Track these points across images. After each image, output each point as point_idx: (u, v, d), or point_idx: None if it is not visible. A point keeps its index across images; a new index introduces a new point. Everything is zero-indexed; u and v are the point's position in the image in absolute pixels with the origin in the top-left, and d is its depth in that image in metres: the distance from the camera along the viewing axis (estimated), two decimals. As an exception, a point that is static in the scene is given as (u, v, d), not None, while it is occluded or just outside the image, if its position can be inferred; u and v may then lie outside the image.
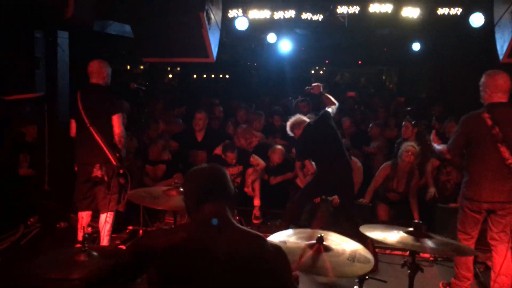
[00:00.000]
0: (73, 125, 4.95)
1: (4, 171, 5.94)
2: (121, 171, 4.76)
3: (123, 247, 5.04)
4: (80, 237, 4.83)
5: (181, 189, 3.24)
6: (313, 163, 5.59)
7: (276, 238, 2.71)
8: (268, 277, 1.85)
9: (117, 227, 5.29)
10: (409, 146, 5.75)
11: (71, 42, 5.96)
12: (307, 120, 5.35)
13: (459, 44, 9.22)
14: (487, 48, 6.48)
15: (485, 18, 6.19)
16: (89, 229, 5.05)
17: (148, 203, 3.12)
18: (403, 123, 6.56)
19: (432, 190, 5.99)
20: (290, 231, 2.87)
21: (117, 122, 4.79)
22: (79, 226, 4.98)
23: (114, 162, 4.72)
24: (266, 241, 1.93)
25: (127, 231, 5.81)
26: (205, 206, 1.95)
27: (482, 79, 4.06)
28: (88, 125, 4.71)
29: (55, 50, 5.70)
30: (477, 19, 6.33)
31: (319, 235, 2.63)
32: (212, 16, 5.99)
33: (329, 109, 5.25)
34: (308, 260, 2.47)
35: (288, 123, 5.44)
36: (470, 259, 4.24)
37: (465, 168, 4.22)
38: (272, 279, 1.86)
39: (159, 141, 6.53)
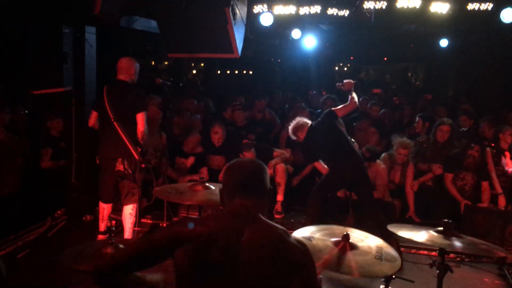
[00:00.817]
0: (93, 115, 5.01)
1: (32, 164, 6.07)
2: (143, 166, 4.86)
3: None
4: (101, 228, 5.01)
5: (207, 184, 3.26)
6: (323, 164, 5.60)
7: (300, 234, 2.69)
8: (293, 271, 1.86)
9: (139, 220, 5.34)
10: (402, 141, 6.14)
11: (98, 37, 6.03)
12: (309, 122, 5.34)
13: (489, 41, 9.02)
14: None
15: (517, 14, 6.03)
16: (113, 222, 5.09)
17: (174, 199, 3.15)
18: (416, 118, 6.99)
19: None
20: (313, 228, 2.84)
21: (141, 120, 4.85)
22: (100, 217, 5.08)
23: (136, 157, 4.80)
24: (291, 236, 1.95)
25: (149, 225, 5.86)
26: (236, 200, 1.98)
27: None
28: (113, 120, 4.77)
29: (82, 45, 5.78)
30: (508, 15, 6.18)
31: (345, 233, 2.60)
32: (237, 11, 5.98)
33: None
34: (333, 258, 2.44)
35: (290, 127, 5.42)
36: None
37: None
38: (296, 273, 1.86)
39: (196, 133, 6.54)
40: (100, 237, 4.94)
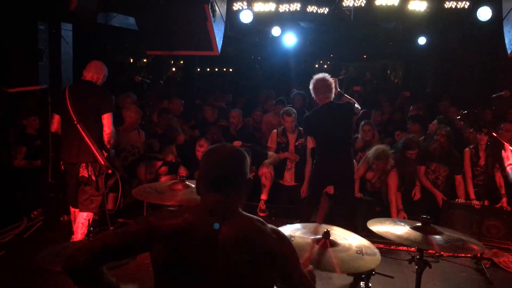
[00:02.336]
0: (56, 120, 4.78)
1: (6, 163, 5.94)
2: (109, 171, 4.60)
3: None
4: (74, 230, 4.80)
5: (187, 183, 3.21)
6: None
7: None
8: (269, 261, 1.85)
9: (116, 221, 5.24)
10: (377, 153, 5.77)
11: (74, 34, 5.93)
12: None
13: (466, 38, 9.14)
14: (495, 42, 6.41)
15: (493, 12, 6.11)
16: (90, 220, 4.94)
17: (153, 199, 3.07)
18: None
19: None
20: (295, 226, 2.84)
21: (108, 121, 4.62)
22: (72, 219, 4.93)
23: (102, 162, 4.56)
24: (267, 226, 1.91)
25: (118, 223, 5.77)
26: (211, 195, 1.92)
27: None
28: (76, 122, 4.54)
29: (58, 42, 5.69)
30: (484, 13, 6.25)
31: (325, 230, 2.60)
32: (216, 8, 5.95)
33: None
34: (314, 255, 2.44)
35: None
36: None
37: None
38: (273, 262, 1.85)
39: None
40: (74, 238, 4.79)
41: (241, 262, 1.81)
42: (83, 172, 4.63)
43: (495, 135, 5.06)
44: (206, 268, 1.80)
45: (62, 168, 4.84)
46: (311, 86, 5.00)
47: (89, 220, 4.66)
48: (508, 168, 4.57)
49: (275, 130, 6.44)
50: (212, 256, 1.80)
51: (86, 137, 4.52)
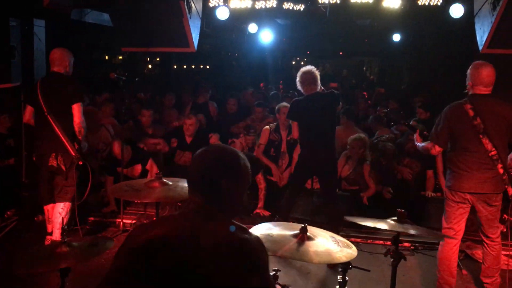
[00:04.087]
0: (28, 110, 4.74)
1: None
2: (80, 163, 4.59)
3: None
4: (49, 229, 4.79)
5: (164, 180, 3.19)
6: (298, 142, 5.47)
7: (259, 230, 2.69)
8: (250, 267, 1.81)
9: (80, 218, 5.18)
10: (357, 136, 6.07)
11: (48, 31, 5.83)
12: None
13: (439, 35, 9.30)
14: (467, 39, 6.53)
15: (465, 9, 6.22)
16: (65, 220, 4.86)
17: (130, 197, 3.05)
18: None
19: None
20: (272, 224, 2.85)
21: (77, 111, 4.60)
22: (46, 218, 4.86)
23: (72, 153, 4.54)
24: (249, 232, 1.87)
25: (89, 221, 5.79)
26: (191, 198, 1.88)
27: (468, 70, 4.03)
28: (46, 113, 4.52)
29: (31, 39, 5.58)
30: (457, 10, 6.35)
31: (302, 225, 2.63)
32: (192, 5, 5.91)
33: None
34: (293, 248, 2.47)
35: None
36: (454, 264, 4.15)
37: (448, 160, 4.15)
38: (252, 271, 1.82)
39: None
40: (49, 238, 4.73)
41: (219, 271, 1.76)
42: (52, 162, 4.59)
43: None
44: (187, 273, 1.75)
45: (34, 159, 4.81)
46: (297, 79, 5.03)
47: (66, 211, 4.67)
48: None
49: (268, 127, 6.46)
50: (194, 262, 1.76)
51: (56, 128, 4.50)
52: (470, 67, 4.01)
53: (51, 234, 4.75)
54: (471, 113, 3.86)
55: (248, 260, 1.80)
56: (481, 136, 3.83)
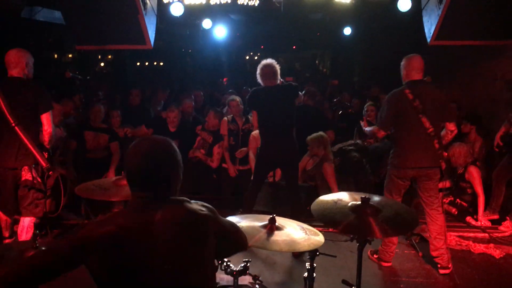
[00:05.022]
0: None
1: None
2: (51, 173, 4.41)
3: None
4: (6, 235, 4.56)
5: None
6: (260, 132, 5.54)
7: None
8: (207, 231, 1.95)
9: (55, 222, 5.06)
10: (315, 135, 6.24)
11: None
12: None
13: (389, 28, 9.60)
14: (415, 32, 6.79)
15: (412, 3, 6.46)
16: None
17: (98, 196, 3.01)
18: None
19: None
20: (239, 217, 2.92)
21: (47, 120, 4.34)
22: (3, 225, 4.58)
23: (44, 164, 4.31)
24: (194, 203, 1.99)
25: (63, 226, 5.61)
26: (138, 193, 1.93)
27: (401, 62, 4.57)
28: (14, 125, 4.18)
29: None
30: (404, 4, 6.56)
31: (271, 216, 2.72)
32: (147, 1, 5.87)
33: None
34: (262, 237, 2.56)
35: None
36: None
37: (392, 140, 4.68)
38: (211, 231, 1.96)
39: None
40: (7, 241, 4.50)
41: (181, 242, 1.87)
42: (26, 176, 4.34)
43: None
44: (149, 263, 1.82)
45: None
46: (258, 72, 5.07)
47: (34, 223, 4.40)
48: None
49: (225, 118, 6.59)
50: (153, 248, 1.82)
51: (26, 140, 4.22)
52: (402, 60, 4.56)
53: (9, 237, 4.57)
54: (411, 96, 4.35)
55: (203, 224, 1.94)
56: (420, 115, 4.32)
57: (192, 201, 1.99)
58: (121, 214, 1.94)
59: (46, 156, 4.36)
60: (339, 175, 6.25)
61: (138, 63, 16.96)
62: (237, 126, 6.55)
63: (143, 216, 1.86)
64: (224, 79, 13.33)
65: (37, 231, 2.50)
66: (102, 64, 16.93)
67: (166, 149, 1.96)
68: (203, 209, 1.98)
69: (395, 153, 4.53)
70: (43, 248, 1.92)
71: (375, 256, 4.85)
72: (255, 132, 6.29)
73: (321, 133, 6.29)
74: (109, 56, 15.99)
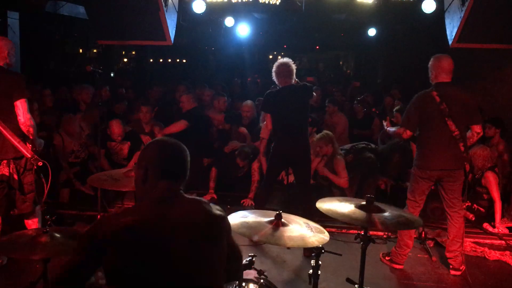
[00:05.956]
0: None
1: None
2: (40, 164, 4.06)
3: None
4: None
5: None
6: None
7: (234, 217, 2.76)
8: (221, 236, 2.02)
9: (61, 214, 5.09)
10: (320, 136, 6.25)
11: (21, 23, 5.75)
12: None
13: (412, 30, 9.49)
14: (438, 34, 6.70)
15: (436, 4, 6.38)
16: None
17: (109, 186, 3.08)
18: None
19: None
20: (247, 211, 2.93)
21: (21, 108, 4.02)
22: None
23: (28, 155, 4.06)
24: (210, 205, 2.06)
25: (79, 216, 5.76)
26: (162, 183, 1.99)
27: (430, 62, 4.51)
28: None
29: (5, 31, 5.49)
30: (428, 5, 6.49)
31: (277, 212, 2.73)
32: (169, -2, 5.93)
33: None
34: (267, 232, 2.57)
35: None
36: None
37: (418, 141, 4.64)
38: (224, 235, 2.04)
39: None
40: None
41: (194, 239, 1.91)
42: (3, 170, 4.10)
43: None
44: (164, 256, 1.84)
45: None
46: (273, 70, 5.08)
47: (37, 221, 4.36)
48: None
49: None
50: (167, 241, 1.85)
51: (4, 130, 3.97)
52: (430, 60, 4.49)
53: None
54: (438, 99, 4.33)
55: (214, 227, 2.00)
56: (446, 118, 4.31)
57: (210, 203, 2.07)
58: (138, 207, 2.00)
59: (29, 146, 4.10)
60: (350, 172, 6.24)
61: (161, 60, 17.16)
62: None
63: (160, 209, 1.92)
64: (248, 79, 13.33)
65: (47, 216, 2.55)
66: (125, 59, 17.19)
67: (185, 148, 2.10)
68: (219, 210, 2.06)
69: (420, 154, 4.54)
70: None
71: (387, 258, 4.82)
72: None
73: (326, 131, 6.34)
74: (133, 52, 16.23)
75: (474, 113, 4.41)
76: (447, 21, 5.97)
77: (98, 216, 5.53)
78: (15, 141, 3.99)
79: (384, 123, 5.33)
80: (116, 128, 6.23)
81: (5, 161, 4.08)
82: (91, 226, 1.90)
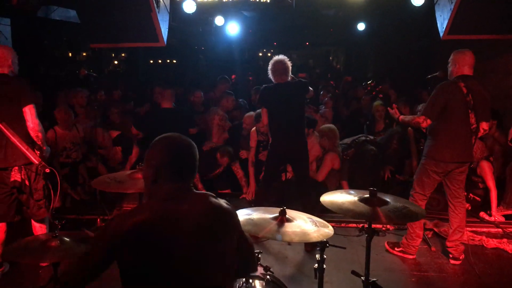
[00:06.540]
0: None
1: None
2: (47, 170, 4.15)
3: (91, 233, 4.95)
4: None
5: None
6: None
7: (239, 216, 2.79)
8: (231, 226, 2.07)
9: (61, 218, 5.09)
10: (331, 126, 6.37)
11: (13, 29, 5.73)
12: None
13: (402, 23, 9.53)
14: (429, 27, 6.75)
15: (426, -2, 6.41)
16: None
17: (113, 188, 3.07)
18: None
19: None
20: (251, 209, 2.96)
21: (30, 114, 4.10)
22: None
23: (35, 161, 4.12)
24: (218, 198, 2.09)
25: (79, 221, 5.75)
26: (170, 183, 2.01)
27: (452, 56, 4.53)
28: None
29: (-3, 37, 5.46)
30: (417, -1, 6.53)
31: (281, 208, 2.76)
32: (160, -1, 5.93)
33: None
34: (272, 229, 2.61)
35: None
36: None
37: (432, 131, 4.57)
38: (234, 227, 2.08)
39: None
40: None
41: (205, 233, 1.94)
42: (15, 177, 4.16)
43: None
44: (176, 250, 1.88)
45: None
46: (269, 67, 5.09)
47: (45, 227, 4.36)
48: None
49: (254, 129, 6.41)
50: (178, 235, 1.89)
51: (12, 137, 4.04)
52: (453, 53, 4.52)
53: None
54: (465, 90, 4.36)
55: (228, 225, 2.05)
56: (470, 110, 4.37)
57: (218, 198, 2.10)
58: (149, 204, 2.02)
59: (37, 153, 4.18)
60: (352, 166, 6.34)
61: (151, 61, 17.09)
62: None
63: (172, 204, 1.95)
64: (232, 76, 13.32)
65: (56, 221, 2.56)
66: (116, 62, 17.11)
67: (193, 144, 2.11)
68: (228, 205, 2.09)
69: (434, 146, 4.50)
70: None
71: (396, 249, 4.85)
72: None
73: (331, 125, 6.40)
74: (123, 54, 16.16)
75: (488, 109, 4.47)
76: (437, 14, 6.02)
77: (98, 220, 5.58)
78: (23, 147, 4.06)
79: (391, 112, 5.23)
80: (100, 136, 6.33)
81: (16, 167, 4.15)
82: (103, 227, 1.92)
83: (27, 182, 4.19)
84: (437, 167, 4.48)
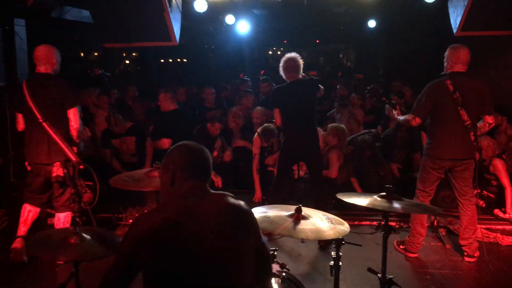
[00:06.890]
0: (20, 118, 4.52)
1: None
2: (81, 167, 4.44)
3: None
4: (21, 232, 4.54)
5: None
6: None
7: (255, 213, 2.80)
8: (251, 229, 2.09)
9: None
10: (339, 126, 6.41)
11: (28, 30, 5.77)
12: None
13: (414, 20, 9.48)
14: (441, 23, 6.71)
15: (438, -7, 6.38)
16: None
17: (131, 187, 3.12)
18: None
19: None
20: (266, 207, 2.98)
21: (74, 116, 4.42)
22: (21, 220, 4.58)
23: (73, 159, 4.40)
24: (235, 198, 2.13)
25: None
26: (190, 182, 2.09)
27: (446, 52, 4.53)
28: (41, 120, 4.31)
29: (12, 38, 5.48)
30: (430, -5, 6.49)
31: (297, 206, 2.78)
32: (173, -2, 5.96)
33: None
34: (289, 226, 2.63)
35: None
36: (425, 216, 4.74)
37: (428, 131, 4.66)
38: (251, 231, 2.09)
39: None
40: (18, 241, 4.49)
41: (223, 232, 1.97)
42: (58, 171, 4.42)
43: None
44: (201, 246, 1.91)
45: (29, 169, 4.59)
46: (281, 65, 5.13)
47: (70, 218, 4.52)
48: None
49: (257, 135, 6.33)
50: (203, 232, 1.93)
51: (54, 135, 4.32)
52: (447, 49, 4.50)
53: (23, 237, 4.54)
54: (451, 88, 4.36)
55: (245, 223, 2.08)
56: (459, 108, 4.34)
57: (232, 194, 2.15)
58: (170, 202, 2.08)
59: (75, 150, 4.45)
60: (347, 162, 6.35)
61: (162, 60, 17.16)
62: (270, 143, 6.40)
63: (192, 201, 2.01)
64: (241, 75, 13.34)
65: (77, 219, 2.59)
66: (127, 61, 17.20)
67: (207, 150, 2.24)
68: (246, 205, 2.14)
69: (431, 144, 4.57)
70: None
71: (401, 246, 4.87)
72: None
73: (337, 124, 6.46)
74: (134, 54, 16.23)
75: (487, 103, 4.44)
76: (450, 10, 5.99)
77: (112, 218, 5.65)
78: (63, 145, 4.35)
79: (395, 112, 5.32)
80: (113, 125, 6.45)
81: (58, 163, 4.41)
82: (126, 232, 1.96)
83: (66, 177, 4.45)
84: (434, 164, 4.54)
